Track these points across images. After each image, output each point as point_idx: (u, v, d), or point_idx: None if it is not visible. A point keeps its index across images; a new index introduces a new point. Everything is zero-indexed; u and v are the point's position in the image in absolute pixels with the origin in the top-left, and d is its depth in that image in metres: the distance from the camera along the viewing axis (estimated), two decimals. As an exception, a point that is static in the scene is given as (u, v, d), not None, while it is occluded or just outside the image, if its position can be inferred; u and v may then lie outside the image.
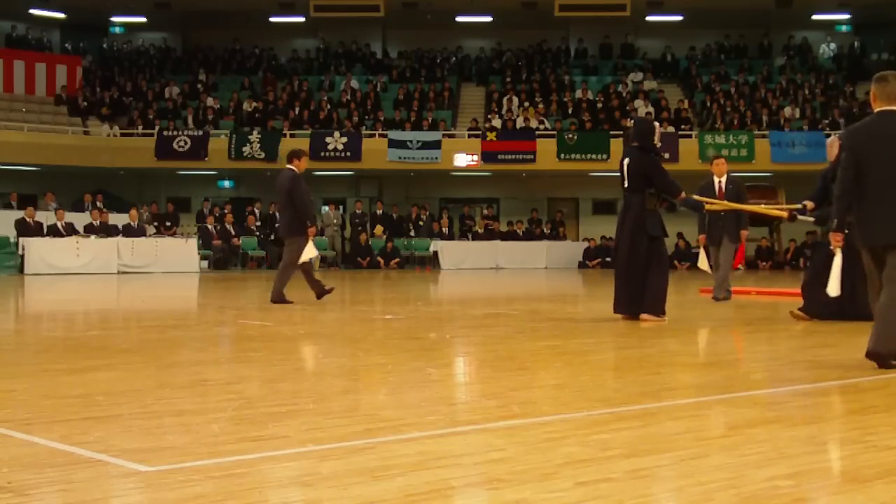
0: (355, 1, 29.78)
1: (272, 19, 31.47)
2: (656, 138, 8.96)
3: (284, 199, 10.81)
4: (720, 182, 12.18)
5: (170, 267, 20.57)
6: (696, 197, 9.04)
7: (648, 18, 31.32)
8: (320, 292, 10.95)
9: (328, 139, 26.35)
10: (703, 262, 11.54)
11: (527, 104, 28.70)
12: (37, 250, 19.48)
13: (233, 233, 23.60)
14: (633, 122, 9.45)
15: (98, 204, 22.91)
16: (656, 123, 9.32)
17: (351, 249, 25.52)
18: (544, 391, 4.91)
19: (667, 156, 26.04)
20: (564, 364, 5.90)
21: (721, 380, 5.33)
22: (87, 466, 3.10)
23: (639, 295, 8.77)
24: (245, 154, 26.26)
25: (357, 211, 25.95)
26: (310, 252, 10.65)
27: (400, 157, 26.37)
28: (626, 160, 8.91)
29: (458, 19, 31.47)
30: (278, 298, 10.56)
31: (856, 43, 31.00)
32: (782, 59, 31.21)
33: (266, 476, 3.03)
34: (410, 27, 31.79)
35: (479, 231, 26.67)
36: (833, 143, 9.87)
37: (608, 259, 26.07)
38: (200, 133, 26.56)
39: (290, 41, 32.43)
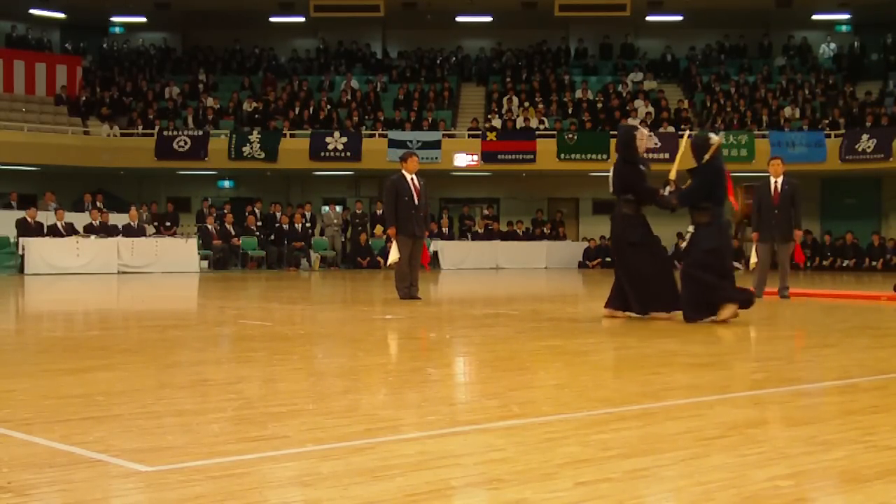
0: (355, 1, 29.78)
1: (272, 19, 31.48)
2: (638, 146, 9.22)
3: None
4: (776, 182, 12.36)
5: (170, 267, 20.57)
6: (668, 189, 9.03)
7: (648, 18, 31.32)
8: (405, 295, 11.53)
9: (328, 139, 26.35)
10: (753, 260, 12.61)
11: (527, 104, 28.70)
12: (37, 250, 19.48)
13: (233, 233, 23.61)
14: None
15: (98, 204, 22.91)
16: (638, 131, 9.39)
17: (351, 249, 25.52)
18: (544, 391, 4.91)
19: (666, 156, 26.18)
20: (564, 364, 5.90)
21: (721, 380, 5.33)
22: (87, 466, 3.10)
23: (623, 294, 9.05)
24: (245, 154, 26.27)
25: (357, 211, 25.96)
26: (393, 255, 11.45)
27: (400, 158, 26.35)
28: (612, 167, 9.43)
29: (458, 19, 31.47)
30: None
31: (856, 43, 31.00)
32: (782, 59, 31.21)
33: (266, 476, 3.03)
34: (410, 27, 31.80)
35: (479, 231, 26.68)
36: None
37: (608, 259, 26.08)
38: (200, 133, 26.56)
39: (290, 41, 32.44)
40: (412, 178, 11.64)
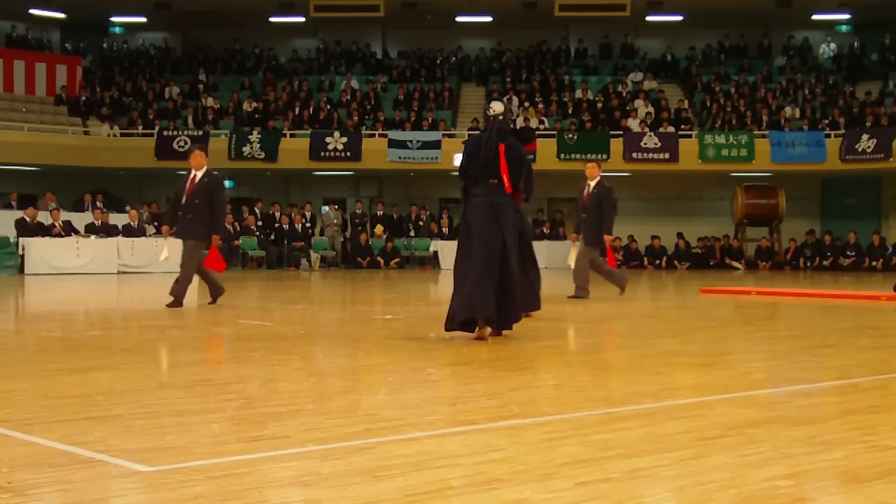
0: (355, 1, 29.78)
1: (272, 19, 31.47)
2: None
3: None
4: (589, 185, 12.04)
5: (170, 267, 20.54)
6: None
7: (648, 18, 31.31)
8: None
9: (328, 139, 26.35)
10: (571, 258, 12.09)
11: (527, 104, 28.70)
12: (37, 250, 19.48)
13: (233, 231, 23.61)
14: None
15: (98, 204, 22.90)
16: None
17: (351, 249, 25.52)
18: (544, 391, 4.91)
19: (667, 156, 26.20)
20: (564, 364, 5.90)
21: (721, 380, 5.33)
22: (87, 466, 3.10)
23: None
24: (245, 154, 26.27)
25: (357, 211, 25.96)
26: (163, 253, 10.95)
27: (400, 157, 26.36)
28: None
29: (458, 19, 31.47)
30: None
31: (856, 43, 31.00)
32: (782, 59, 31.21)
33: (266, 476, 3.03)
34: (410, 27, 31.80)
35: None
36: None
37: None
38: (200, 133, 26.56)
39: (290, 41, 32.44)
40: (194, 176, 10.44)
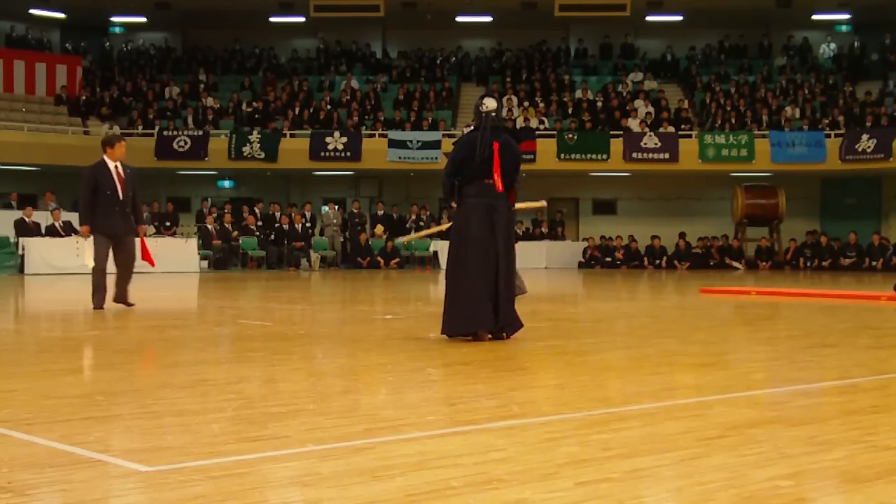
0: (355, 1, 29.78)
1: (272, 19, 31.47)
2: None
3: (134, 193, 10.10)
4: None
5: (170, 267, 20.55)
6: None
7: (648, 18, 31.32)
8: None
9: (328, 139, 26.35)
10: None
11: (527, 104, 28.70)
12: (37, 250, 19.48)
13: (232, 230, 23.62)
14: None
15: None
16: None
17: (351, 249, 25.52)
18: (544, 391, 4.91)
19: (667, 156, 26.20)
20: (564, 364, 5.90)
21: (721, 380, 5.33)
22: (87, 466, 3.10)
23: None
24: (245, 154, 26.27)
25: (356, 211, 25.96)
26: (88, 258, 10.13)
27: (400, 157, 26.37)
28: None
29: (458, 19, 31.47)
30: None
31: (856, 43, 31.00)
32: (782, 59, 31.21)
33: (266, 476, 3.03)
34: (410, 27, 31.80)
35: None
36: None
37: (608, 259, 26.09)
38: (200, 133, 26.56)
39: (290, 41, 32.44)
40: (116, 167, 9.94)
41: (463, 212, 7.05)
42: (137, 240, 10.31)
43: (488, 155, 6.93)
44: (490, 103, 7.12)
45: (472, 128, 7.33)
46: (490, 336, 6.96)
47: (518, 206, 7.72)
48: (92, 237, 10.01)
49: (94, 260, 10.04)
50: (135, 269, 10.30)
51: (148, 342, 7.17)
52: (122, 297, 10.22)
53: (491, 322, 6.86)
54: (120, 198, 9.87)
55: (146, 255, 10.38)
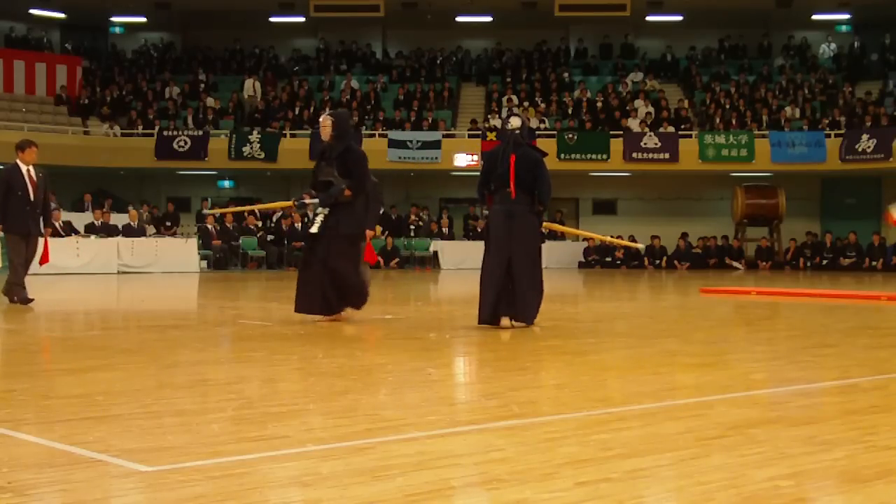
0: (355, 1, 29.78)
1: (272, 19, 31.48)
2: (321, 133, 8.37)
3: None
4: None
5: (170, 267, 20.57)
6: None
7: (648, 18, 31.32)
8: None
9: (328, 139, 26.32)
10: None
11: (527, 104, 28.70)
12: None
13: (233, 232, 23.62)
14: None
15: (106, 207, 22.84)
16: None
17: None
18: (544, 391, 4.91)
19: (667, 156, 26.20)
20: (564, 364, 5.90)
21: (721, 380, 5.33)
22: (87, 466, 3.10)
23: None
24: (245, 154, 26.27)
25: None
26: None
27: (400, 157, 26.36)
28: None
29: (458, 19, 31.47)
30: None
31: (856, 43, 31.00)
32: (782, 59, 31.21)
33: (266, 476, 3.03)
34: (410, 27, 31.79)
35: (479, 231, 26.68)
36: None
37: (608, 259, 26.09)
38: (200, 133, 26.56)
39: (290, 41, 32.44)
40: (28, 170, 10.33)
41: (489, 217, 8.18)
42: (42, 239, 10.73)
43: (507, 167, 7.76)
44: (515, 122, 8.01)
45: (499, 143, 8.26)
46: (512, 324, 7.74)
47: (619, 242, 8.76)
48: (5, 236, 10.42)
49: (10, 258, 10.44)
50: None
51: (148, 342, 7.17)
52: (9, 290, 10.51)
53: (487, 315, 7.74)
54: (31, 199, 10.31)
55: (45, 255, 10.75)
